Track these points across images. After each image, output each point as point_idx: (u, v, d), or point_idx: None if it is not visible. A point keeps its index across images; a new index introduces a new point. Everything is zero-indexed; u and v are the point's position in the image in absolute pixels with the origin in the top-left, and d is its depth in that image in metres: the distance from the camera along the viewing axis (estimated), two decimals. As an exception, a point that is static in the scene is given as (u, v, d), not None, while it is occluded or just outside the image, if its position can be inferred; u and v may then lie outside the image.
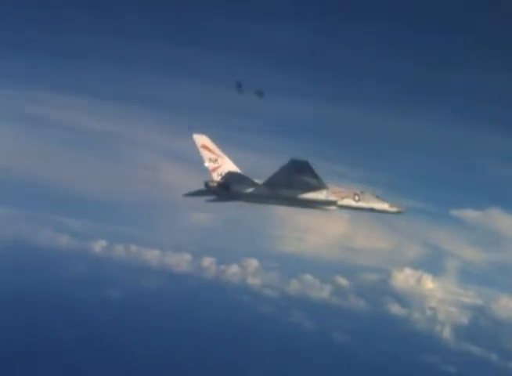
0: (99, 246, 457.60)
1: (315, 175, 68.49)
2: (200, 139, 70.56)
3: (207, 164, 70.44)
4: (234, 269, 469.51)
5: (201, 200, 73.11)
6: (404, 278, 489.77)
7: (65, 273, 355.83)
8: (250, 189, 70.14)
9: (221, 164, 70.63)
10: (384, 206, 75.80)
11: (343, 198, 73.99)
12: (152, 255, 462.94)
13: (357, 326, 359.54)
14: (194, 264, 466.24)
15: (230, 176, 68.81)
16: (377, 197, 75.95)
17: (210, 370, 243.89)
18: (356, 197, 74.56)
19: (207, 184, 69.66)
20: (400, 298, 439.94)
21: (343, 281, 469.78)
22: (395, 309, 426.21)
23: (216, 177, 70.17)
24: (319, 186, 71.16)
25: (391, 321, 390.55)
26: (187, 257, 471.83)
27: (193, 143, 70.82)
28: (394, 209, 76.21)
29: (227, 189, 69.40)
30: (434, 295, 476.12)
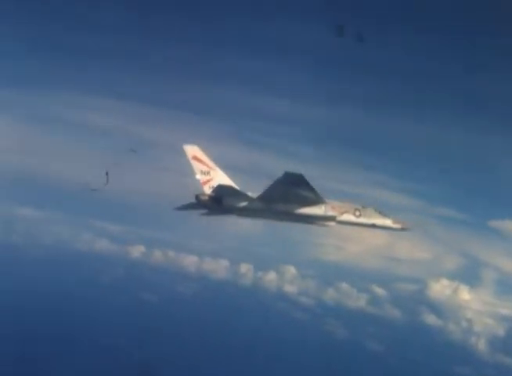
0: (137, 251, 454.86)
1: (311, 189, 64.93)
2: (191, 150, 67.14)
3: (198, 176, 66.87)
4: (271, 276, 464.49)
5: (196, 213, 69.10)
6: (440, 289, 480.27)
7: (102, 278, 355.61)
8: (243, 203, 66.63)
9: (213, 177, 67.19)
10: (387, 222, 71.60)
11: (342, 213, 70.13)
12: (189, 261, 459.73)
13: (391, 335, 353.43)
14: (231, 270, 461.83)
15: (221, 190, 65.36)
16: (380, 212, 71.52)
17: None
18: (357, 213, 70.54)
19: (197, 197, 66.12)
20: (436, 308, 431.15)
21: (379, 290, 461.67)
22: (431, 319, 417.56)
23: (208, 190, 66.42)
24: (317, 201, 67.52)
25: (426, 331, 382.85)
26: (225, 263, 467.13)
27: (184, 155, 66.98)
28: (397, 225, 71.80)
29: (219, 203, 65.66)
30: (471, 306, 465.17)
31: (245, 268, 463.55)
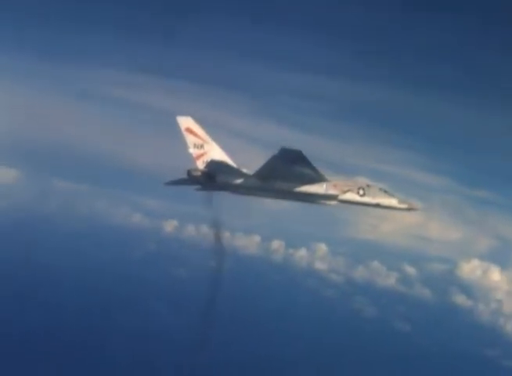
0: (170, 225, 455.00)
1: (310, 166, 60.20)
2: (185, 122, 62.34)
3: (191, 149, 62.07)
4: (302, 252, 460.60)
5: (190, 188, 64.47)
6: (471, 269, 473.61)
7: (135, 252, 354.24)
8: (238, 180, 61.87)
9: (207, 151, 62.37)
10: (392, 202, 66.41)
11: (345, 192, 65.18)
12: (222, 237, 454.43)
13: (420, 315, 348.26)
14: (263, 247, 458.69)
15: (214, 165, 60.81)
16: (385, 191, 66.44)
17: (268, 352, 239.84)
18: (361, 191, 65.56)
19: (189, 173, 61.39)
20: (466, 289, 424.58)
21: (410, 270, 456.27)
22: (461, 299, 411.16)
23: (201, 165, 61.68)
24: (317, 179, 62.61)
25: (456, 312, 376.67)
26: (256, 239, 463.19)
27: (177, 127, 62.25)
28: (403, 205, 66.60)
29: (212, 179, 60.97)
30: (501, 288, 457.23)
31: (276, 244, 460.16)
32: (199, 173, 61.25)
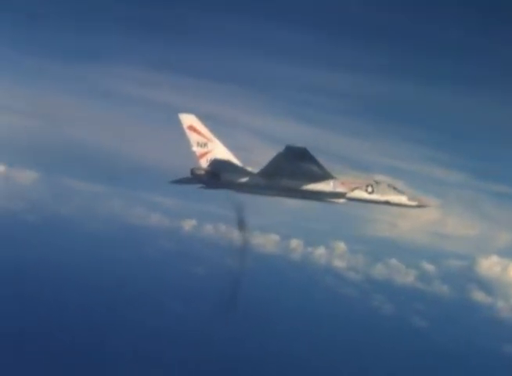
0: (188, 225, 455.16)
1: (316, 164, 58.41)
2: (187, 119, 60.75)
3: (194, 148, 60.49)
4: (321, 251, 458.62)
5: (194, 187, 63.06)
6: (490, 266, 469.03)
7: (153, 251, 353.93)
8: (243, 179, 60.22)
9: (211, 149, 60.77)
10: (402, 199, 64.74)
11: (353, 190, 63.39)
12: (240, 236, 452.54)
13: (438, 312, 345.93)
14: (282, 245, 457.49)
15: (217, 164, 59.22)
16: (394, 188, 64.73)
17: (286, 349, 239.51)
18: (369, 189, 63.86)
19: (193, 172, 59.84)
20: (485, 285, 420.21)
21: (429, 267, 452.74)
22: (480, 296, 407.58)
23: (205, 164, 60.11)
24: (324, 176, 60.94)
25: (475, 309, 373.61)
26: (275, 238, 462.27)
27: (179, 125, 60.77)
28: (413, 203, 64.91)
29: (216, 178, 59.45)
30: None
31: (295, 243, 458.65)
32: (202, 172, 59.80)
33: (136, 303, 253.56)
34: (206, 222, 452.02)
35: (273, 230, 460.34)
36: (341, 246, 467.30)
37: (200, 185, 62.53)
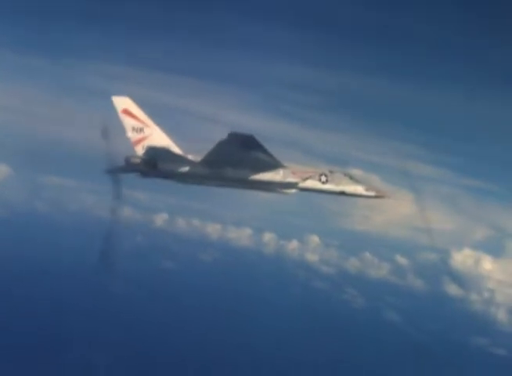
0: (160, 219, 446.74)
1: (264, 152, 52.72)
2: (121, 103, 54.58)
3: (129, 133, 54.21)
4: (294, 244, 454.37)
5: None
6: (464, 259, 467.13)
7: (123, 246, 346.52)
8: (184, 168, 54.16)
9: (148, 135, 54.72)
10: (358, 189, 59.82)
11: (305, 179, 57.78)
12: (213, 229, 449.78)
13: (411, 305, 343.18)
14: (255, 239, 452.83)
15: (153, 152, 52.97)
16: (351, 177, 59.38)
17: (258, 342, 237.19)
18: (323, 178, 58.54)
19: (127, 160, 53.56)
20: (458, 278, 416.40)
21: (402, 260, 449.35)
22: (453, 289, 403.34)
23: (141, 151, 53.88)
24: (273, 165, 55.38)
25: (447, 302, 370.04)
26: (248, 232, 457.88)
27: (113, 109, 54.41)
28: (371, 193, 59.68)
29: (153, 167, 53.24)
30: (493, 277, 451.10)
31: (268, 236, 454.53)
32: (138, 160, 53.82)
33: (103, 296, 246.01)
34: (178, 216, 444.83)
35: (246, 224, 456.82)
36: (315, 239, 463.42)
37: (136, 173, 56.31)
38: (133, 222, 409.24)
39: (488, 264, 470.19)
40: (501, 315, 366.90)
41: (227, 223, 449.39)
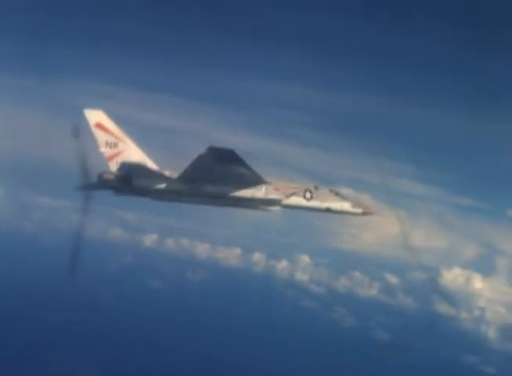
0: (149, 239, 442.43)
1: (245, 167, 49.55)
2: (94, 116, 51.21)
3: (102, 149, 50.92)
4: (283, 264, 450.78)
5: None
6: (453, 277, 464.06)
7: (110, 266, 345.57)
8: (160, 185, 50.82)
9: (122, 150, 51.32)
10: (345, 206, 56.65)
11: (289, 196, 54.42)
12: (202, 249, 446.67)
13: (401, 324, 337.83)
14: (244, 259, 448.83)
15: (128, 167, 49.57)
16: (336, 194, 56.27)
17: (248, 362, 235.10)
18: (307, 195, 55.44)
19: (100, 176, 50.20)
20: (448, 297, 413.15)
21: (392, 279, 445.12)
22: (443, 308, 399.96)
23: (114, 167, 50.52)
24: (255, 181, 52.12)
25: (437, 320, 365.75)
26: (237, 251, 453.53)
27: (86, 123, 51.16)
28: (357, 210, 56.46)
29: (127, 183, 49.84)
30: (484, 295, 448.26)
31: (257, 256, 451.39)
32: (111, 176, 50.43)
33: (91, 317, 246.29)
34: (167, 237, 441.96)
35: (236, 243, 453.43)
36: (305, 259, 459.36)
37: (110, 190, 53.04)
38: (122, 243, 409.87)
39: (478, 282, 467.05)
40: (491, 333, 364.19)
41: (216, 243, 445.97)
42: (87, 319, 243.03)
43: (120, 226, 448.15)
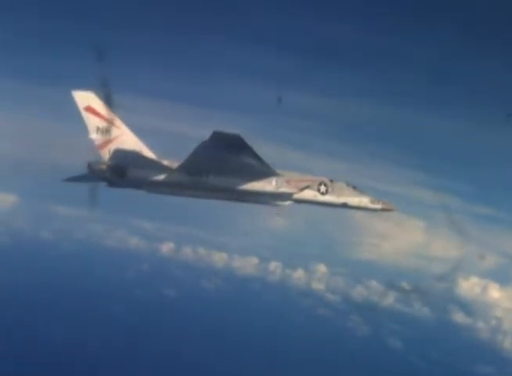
0: (166, 247, 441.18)
1: (254, 156, 42.63)
2: (84, 98, 44.58)
3: (93, 135, 44.41)
4: (300, 273, 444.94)
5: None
6: (470, 286, 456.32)
7: (127, 274, 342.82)
8: (158, 176, 44.20)
9: (115, 137, 44.57)
10: (363, 201, 49.99)
11: (302, 190, 47.82)
12: (219, 258, 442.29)
13: (416, 333, 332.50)
14: (260, 267, 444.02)
15: (122, 156, 43.04)
16: (354, 188, 49.59)
17: (264, 372, 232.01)
18: (322, 188, 48.85)
19: (90, 167, 43.68)
20: (465, 306, 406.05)
21: (409, 288, 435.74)
22: (459, 317, 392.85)
23: (107, 156, 43.97)
24: (264, 172, 45.54)
25: (454, 330, 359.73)
26: (254, 260, 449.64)
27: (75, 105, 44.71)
28: (376, 205, 49.79)
29: (121, 174, 43.22)
30: (501, 304, 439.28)
31: (274, 265, 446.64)
32: (103, 167, 43.85)
33: (104, 326, 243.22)
34: (184, 245, 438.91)
35: (253, 252, 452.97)
36: (322, 268, 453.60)
37: (103, 183, 46.41)
38: (139, 251, 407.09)
39: (495, 292, 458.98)
40: (508, 343, 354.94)
41: (233, 252, 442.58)
42: (101, 328, 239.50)
43: (137, 235, 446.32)
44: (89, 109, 44.34)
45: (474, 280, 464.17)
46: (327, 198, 49.86)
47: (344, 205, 50.67)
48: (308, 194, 49.37)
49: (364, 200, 50.84)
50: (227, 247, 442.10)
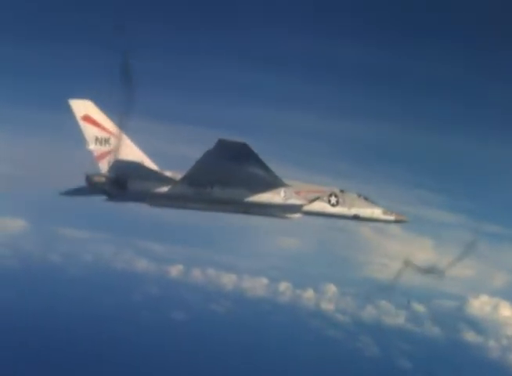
0: (175, 270, 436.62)
1: (261, 166, 39.96)
2: (82, 107, 42.16)
3: (91, 146, 41.90)
4: (310, 294, 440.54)
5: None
6: (481, 305, 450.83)
7: (136, 297, 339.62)
8: (161, 188, 41.47)
9: (115, 148, 41.81)
10: (376, 212, 47.08)
11: (312, 201, 44.74)
12: (228, 279, 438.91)
13: (426, 353, 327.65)
14: (270, 288, 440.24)
15: (122, 167, 40.43)
16: (366, 199, 46.80)
17: None
18: (333, 199, 45.81)
19: (89, 179, 41.07)
20: (476, 325, 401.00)
21: (419, 307, 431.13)
22: (470, 336, 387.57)
23: (106, 167, 41.41)
24: (273, 183, 42.51)
25: (464, 349, 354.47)
26: (264, 281, 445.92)
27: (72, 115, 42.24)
28: (390, 217, 46.80)
29: (122, 186, 40.59)
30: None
31: (284, 286, 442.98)
32: (102, 179, 41.20)
33: (113, 348, 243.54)
34: (193, 267, 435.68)
35: (263, 273, 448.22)
36: (332, 289, 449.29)
37: (103, 197, 43.86)
38: (148, 274, 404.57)
39: (506, 310, 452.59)
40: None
41: (243, 273, 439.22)
42: (109, 351, 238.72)
43: (146, 257, 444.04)
44: (87, 118, 42.13)
45: (485, 298, 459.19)
46: (338, 210, 47.45)
47: (356, 217, 48.22)
48: (318, 206, 46.90)
49: (376, 212, 48.32)
50: (236, 268, 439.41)
